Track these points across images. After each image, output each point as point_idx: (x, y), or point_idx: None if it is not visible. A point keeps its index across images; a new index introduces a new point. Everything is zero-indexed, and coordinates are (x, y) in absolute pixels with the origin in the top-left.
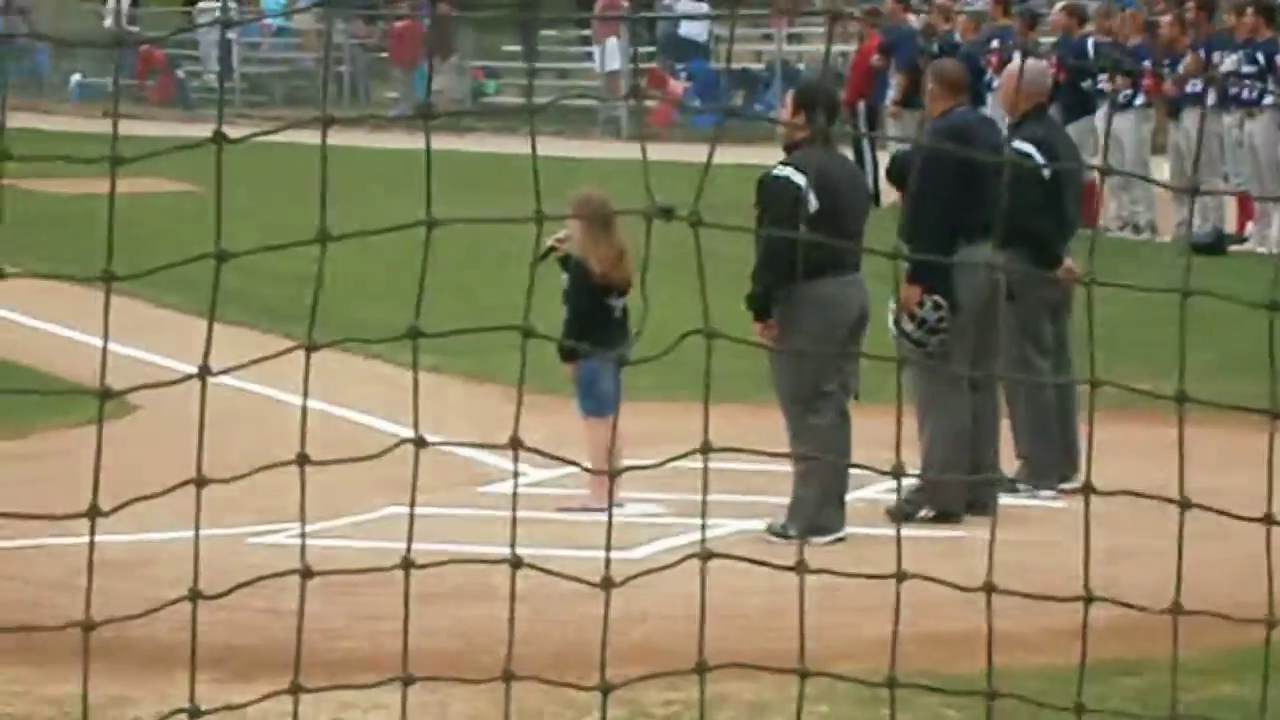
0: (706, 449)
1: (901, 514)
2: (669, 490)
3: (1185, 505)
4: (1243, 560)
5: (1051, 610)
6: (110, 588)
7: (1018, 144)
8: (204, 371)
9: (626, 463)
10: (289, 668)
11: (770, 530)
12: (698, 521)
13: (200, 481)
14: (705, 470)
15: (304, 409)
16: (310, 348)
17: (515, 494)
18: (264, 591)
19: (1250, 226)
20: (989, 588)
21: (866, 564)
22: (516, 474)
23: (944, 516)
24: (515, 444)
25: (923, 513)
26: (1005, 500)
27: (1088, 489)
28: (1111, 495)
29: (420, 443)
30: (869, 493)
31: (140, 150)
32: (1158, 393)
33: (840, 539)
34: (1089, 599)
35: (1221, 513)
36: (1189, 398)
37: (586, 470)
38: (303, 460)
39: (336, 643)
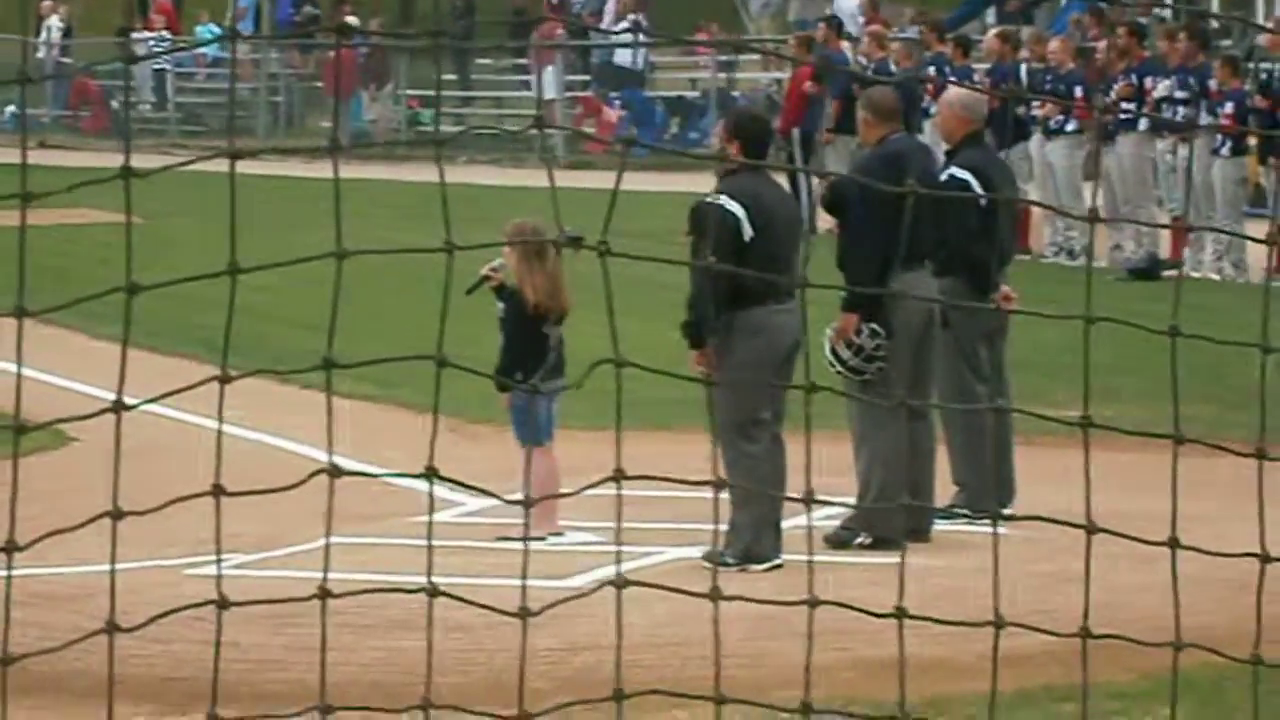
0: (620, 477)
1: (839, 540)
2: (608, 519)
3: (1091, 530)
4: (1210, 584)
5: (987, 636)
6: (46, 620)
7: (954, 170)
8: (119, 405)
9: (562, 491)
10: (228, 700)
11: (707, 557)
12: (636, 549)
13: (116, 514)
14: (619, 499)
15: (219, 439)
16: (224, 379)
17: (430, 523)
18: (203, 624)
19: (1185, 251)
20: (900, 613)
21: (802, 591)
22: (432, 503)
23: (882, 543)
24: (430, 473)
25: (860, 539)
26: (942, 526)
27: (995, 515)
28: (1021, 520)
29: (335, 472)
30: (809, 519)
31: (68, 181)
32: (1065, 419)
33: (777, 565)
34: (999, 624)
35: (1127, 537)
36: (1092, 423)
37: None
38: (218, 492)
39: (277, 674)
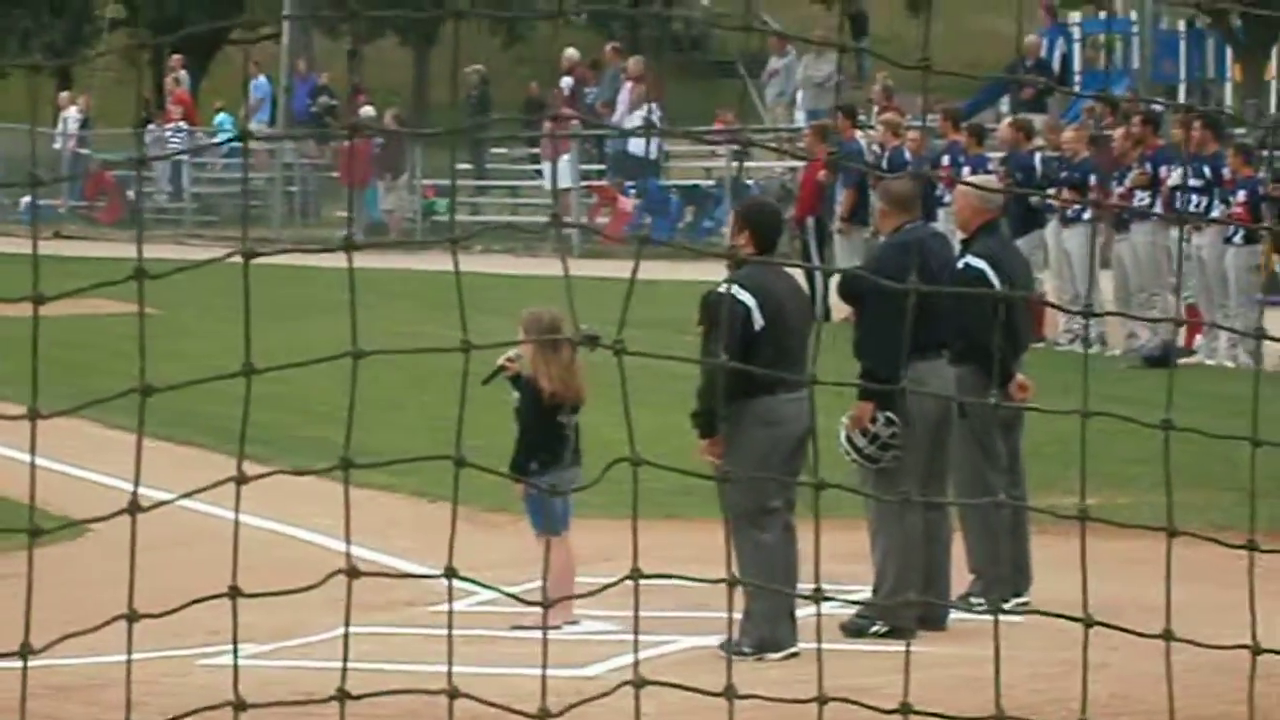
0: (637, 575)
1: (855, 629)
2: (623, 608)
3: (1089, 623)
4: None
5: None
6: (60, 714)
7: (970, 260)
8: (134, 507)
9: (578, 580)
10: None
11: (723, 647)
12: (652, 638)
13: (132, 617)
14: (636, 597)
15: (235, 538)
16: (240, 480)
17: (450, 624)
18: (219, 716)
19: (1199, 339)
20: (905, 709)
21: (816, 680)
22: (451, 608)
23: (897, 632)
24: (450, 573)
25: (876, 628)
26: (958, 615)
27: (996, 609)
28: (1019, 614)
29: (354, 573)
30: (824, 608)
31: (83, 273)
32: (1061, 511)
33: (794, 654)
34: (1001, 719)
35: (1122, 629)
36: (1089, 516)
37: (515, 598)
38: (235, 594)
39: None
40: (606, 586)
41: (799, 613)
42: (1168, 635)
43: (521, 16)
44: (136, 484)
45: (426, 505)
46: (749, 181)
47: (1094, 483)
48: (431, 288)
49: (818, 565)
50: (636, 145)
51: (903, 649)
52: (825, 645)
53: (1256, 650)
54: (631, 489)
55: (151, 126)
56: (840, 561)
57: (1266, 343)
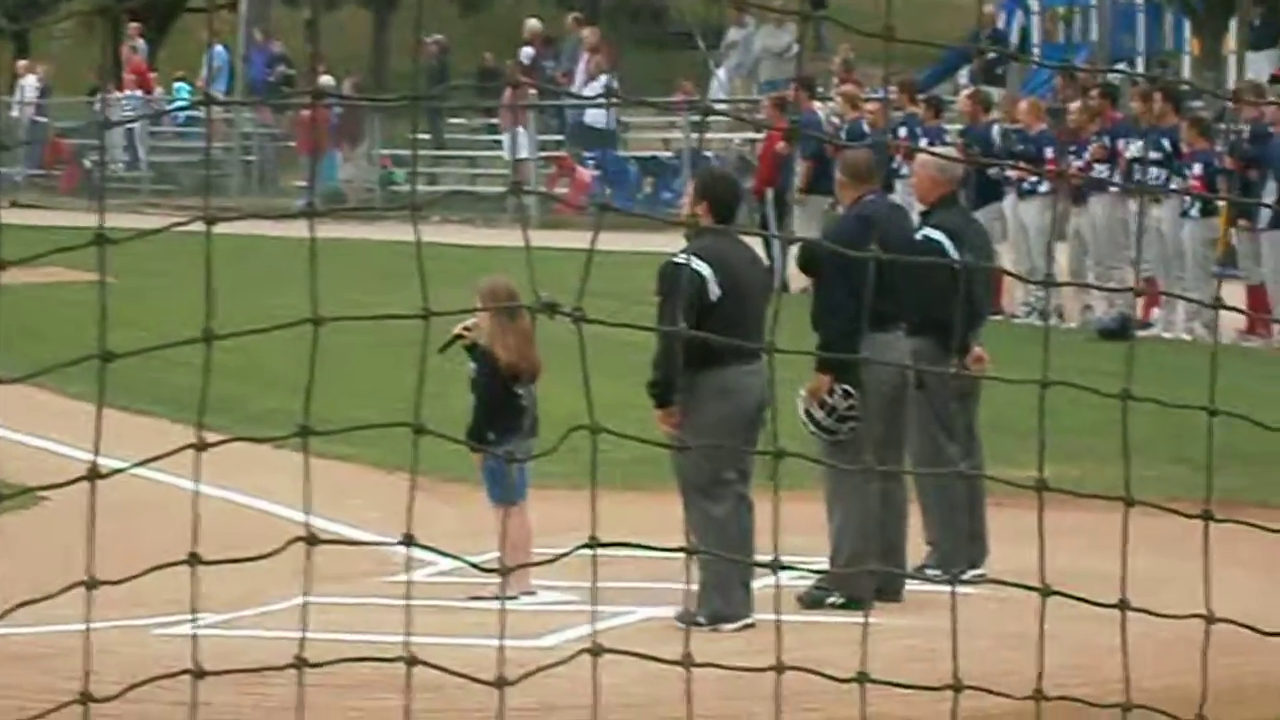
0: (594, 544)
1: (811, 600)
2: (580, 578)
3: (1046, 592)
4: (1172, 644)
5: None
6: (18, 682)
7: (928, 232)
8: (94, 474)
9: (535, 550)
10: None
11: (679, 618)
12: (610, 608)
13: (91, 584)
14: (594, 565)
15: (195, 506)
16: (200, 447)
17: (409, 593)
18: (176, 685)
19: (1156, 312)
20: (862, 677)
21: (774, 649)
22: (410, 576)
23: (854, 602)
24: (408, 540)
25: (832, 599)
26: (913, 586)
27: (954, 581)
28: (976, 583)
29: (312, 540)
30: (782, 578)
31: (41, 241)
32: (1021, 482)
33: (749, 625)
34: (958, 687)
35: (1079, 599)
36: (1048, 487)
37: (474, 566)
38: (194, 561)
39: None
40: (563, 555)
41: (756, 584)
42: (1123, 605)
43: None
44: (96, 451)
45: (385, 475)
46: (707, 153)
47: (1048, 454)
48: (389, 257)
49: (776, 536)
50: (594, 116)
51: (859, 620)
52: (782, 616)
53: (1210, 619)
54: (587, 459)
55: (107, 95)
56: (798, 533)
57: (1223, 316)
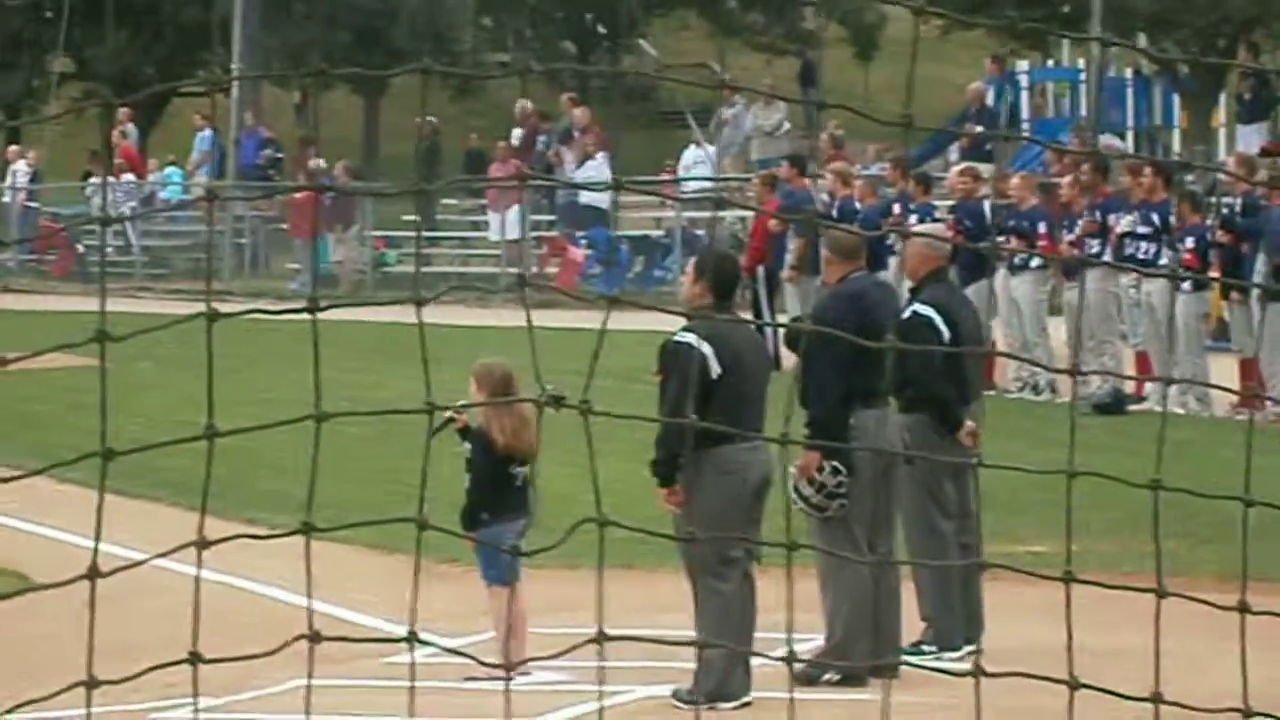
0: (602, 639)
1: (806, 677)
2: (575, 657)
3: (1075, 686)
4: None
5: None
6: None
7: (918, 308)
8: (93, 572)
9: (532, 631)
10: None
11: (676, 696)
12: (607, 688)
13: (91, 684)
14: (601, 660)
15: (196, 607)
16: (202, 544)
17: (412, 690)
18: None
19: (1148, 386)
20: None
21: None
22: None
23: (850, 679)
24: (411, 637)
25: (828, 676)
26: (909, 662)
27: (978, 672)
28: (1002, 676)
29: (315, 638)
30: (775, 655)
31: (35, 327)
32: (1047, 574)
33: (746, 704)
34: None
35: (1108, 691)
36: (1074, 578)
37: (480, 663)
38: (195, 659)
39: None
40: (571, 649)
41: (753, 661)
42: (1156, 698)
43: (487, 77)
44: (96, 550)
45: (382, 557)
46: (699, 232)
47: (1044, 530)
48: (382, 338)
49: (790, 625)
50: (587, 195)
51: (854, 697)
52: (775, 694)
53: (1157, 700)
54: (584, 539)
55: (94, 180)
56: (796, 611)
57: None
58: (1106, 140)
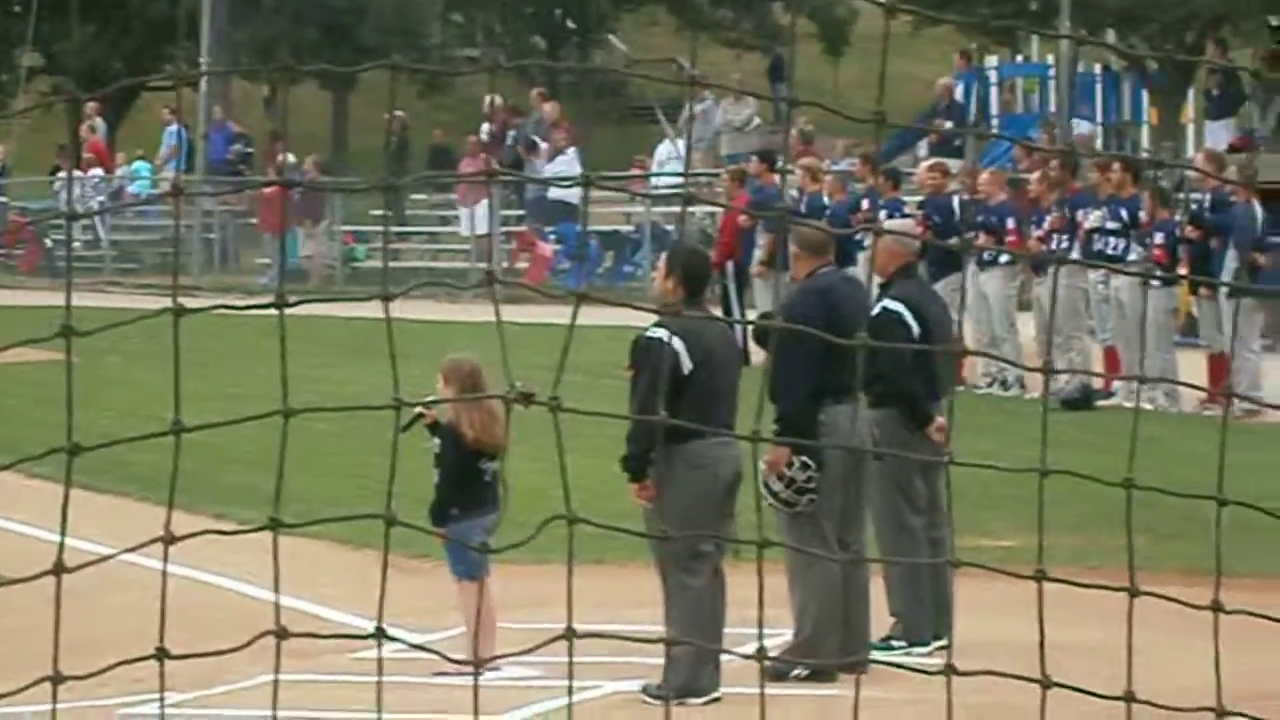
0: (571, 635)
1: (775, 673)
2: (543, 652)
3: (1047, 685)
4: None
5: None
6: None
7: (888, 303)
8: (59, 568)
9: (501, 626)
10: None
11: (645, 691)
12: (576, 683)
13: (57, 679)
14: (570, 656)
15: (163, 603)
16: (168, 540)
17: (380, 686)
18: None
19: (1116, 382)
20: None
21: None
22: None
23: (819, 675)
24: (380, 633)
25: (796, 671)
26: (879, 657)
27: (950, 671)
28: (974, 675)
29: (282, 634)
30: (745, 651)
31: (4, 320)
32: (1020, 573)
33: (715, 699)
34: None
35: (1082, 691)
36: (1047, 577)
37: (447, 659)
38: (162, 654)
39: None
40: (541, 645)
41: (722, 657)
42: (1129, 698)
43: (456, 74)
44: (62, 547)
45: (350, 552)
46: (668, 227)
47: (1013, 524)
48: (352, 332)
49: (761, 621)
50: (556, 190)
51: (824, 693)
52: (744, 690)
53: (1221, 714)
54: (553, 534)
55: (62, 174)
56: (766, 606)
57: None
58: (1080, 130)
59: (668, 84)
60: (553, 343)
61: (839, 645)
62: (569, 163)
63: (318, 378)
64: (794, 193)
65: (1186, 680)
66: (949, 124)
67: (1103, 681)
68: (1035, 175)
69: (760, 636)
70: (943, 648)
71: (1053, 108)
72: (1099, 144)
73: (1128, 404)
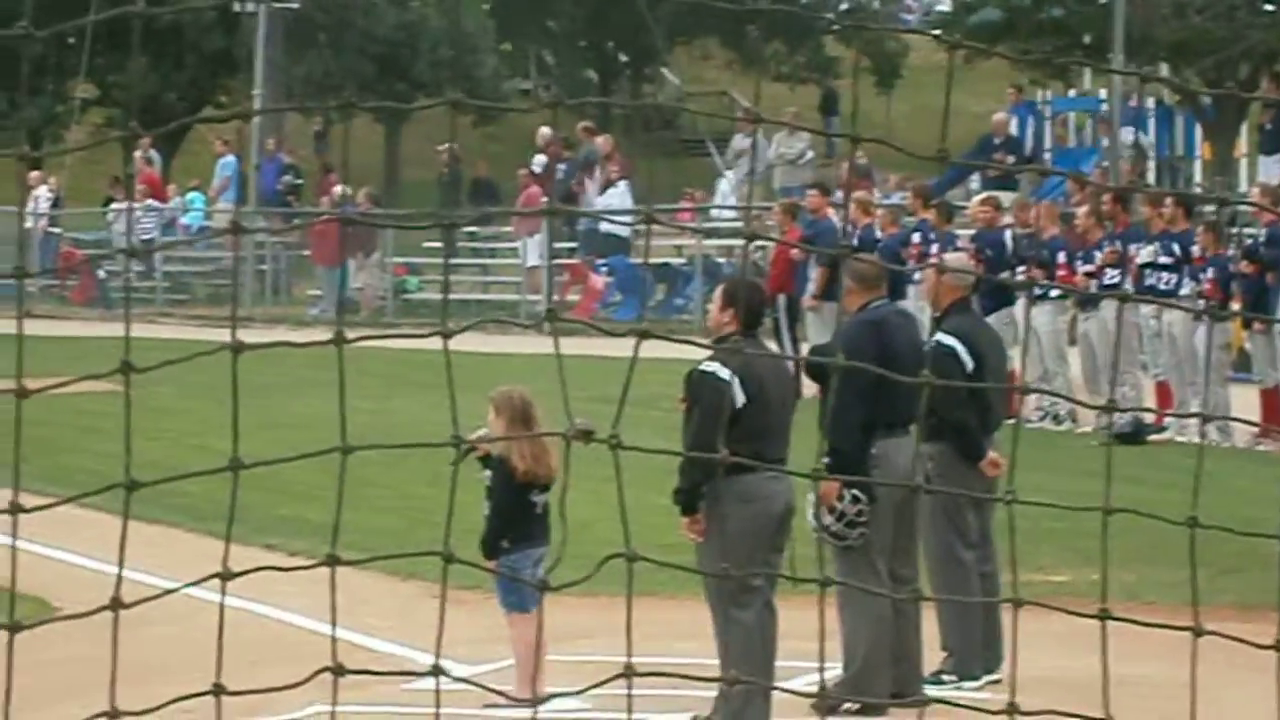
0: (630, 674)
1: (826, 708)
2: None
3: None
4: None
5: None
6: None
7: (941, 337)
8: (116, 603)
9: (551, 658)
10: None
11: None
12: (621, 717)
13: (113, 715)
14: (629, 699)
15: (220, 640)
16: (225, 576)
17: (437, 718)
18: None
19: (1168, 417)
20: None
21: None
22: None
23: (869, 709)
24: (437, 670)
25: (847, 705)
26: (929, 691)
27: (1012, 709)
28: (1037, 715)
29: (339, 671)
30: (796, 685)
31: (59, 351)
32: (1082, 611)
33: None
34: None
35: None
36: (1111, 616)
37: (505, 696)
38: (219, 691)
39: None
40: (599, 685)
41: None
42: None
43: (517, 109)
44: (119, 582)
45: (398, 582)
46: (720, 260)
47: (1062, 557)
48: (402, 365)
49: (822, 658)
50: (608, 223)
51: None
52: None
53: None
54: (609, 565)
55: (115, 205)
56: (813, 639)
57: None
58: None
59: (723, 119)
60: (603, 375)
61: (889, 680)
62: (621, 195)
63: (365, 409)
64: (847, 226)
65: (1233, 715)
66: (1011, 158)
67: (1151, 715)
68: (1083, 210)
69: (821, 671)
70: (993, 682)
71: (1105, 142)
72: (1151, 176)
73: (1179, 439)
